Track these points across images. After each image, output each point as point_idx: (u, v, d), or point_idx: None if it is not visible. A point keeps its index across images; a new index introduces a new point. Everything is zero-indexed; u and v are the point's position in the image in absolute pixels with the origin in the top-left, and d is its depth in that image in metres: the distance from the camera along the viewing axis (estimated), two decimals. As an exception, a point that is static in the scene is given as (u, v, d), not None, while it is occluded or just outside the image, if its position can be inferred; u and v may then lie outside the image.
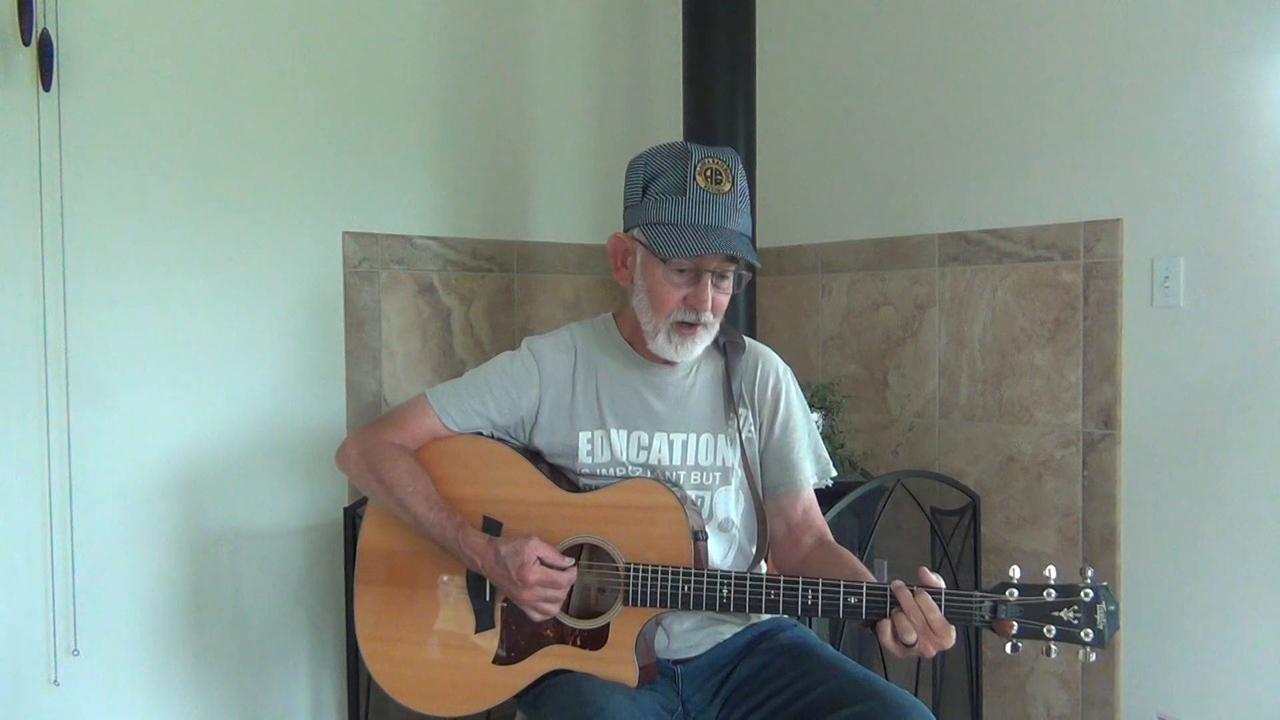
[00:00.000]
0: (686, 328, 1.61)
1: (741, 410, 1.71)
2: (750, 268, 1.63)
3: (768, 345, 1.83)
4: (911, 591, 1.42)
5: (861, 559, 2.26)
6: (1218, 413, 2.18)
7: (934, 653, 1.42)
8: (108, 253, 2.11)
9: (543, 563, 1.52)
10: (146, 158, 2.15)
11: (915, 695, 1.50)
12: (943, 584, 1.44)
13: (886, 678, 1.56)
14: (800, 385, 1.81)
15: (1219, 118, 2.15)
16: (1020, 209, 2.46)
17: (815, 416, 2.40)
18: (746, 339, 1.78)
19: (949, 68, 2.61)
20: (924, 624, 1.41)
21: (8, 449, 2.03)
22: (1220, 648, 2.18)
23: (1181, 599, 2.23)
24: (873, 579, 1.55)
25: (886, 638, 1.44)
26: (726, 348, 1.73)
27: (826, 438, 2.49)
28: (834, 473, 1.80)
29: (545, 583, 1.52)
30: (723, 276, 1.62)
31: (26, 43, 1.95)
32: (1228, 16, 2.13)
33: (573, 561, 1.55)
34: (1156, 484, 2.27)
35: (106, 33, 2.10)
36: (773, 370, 1.76)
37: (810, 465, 1.76)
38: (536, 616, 1.56)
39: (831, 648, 1.67)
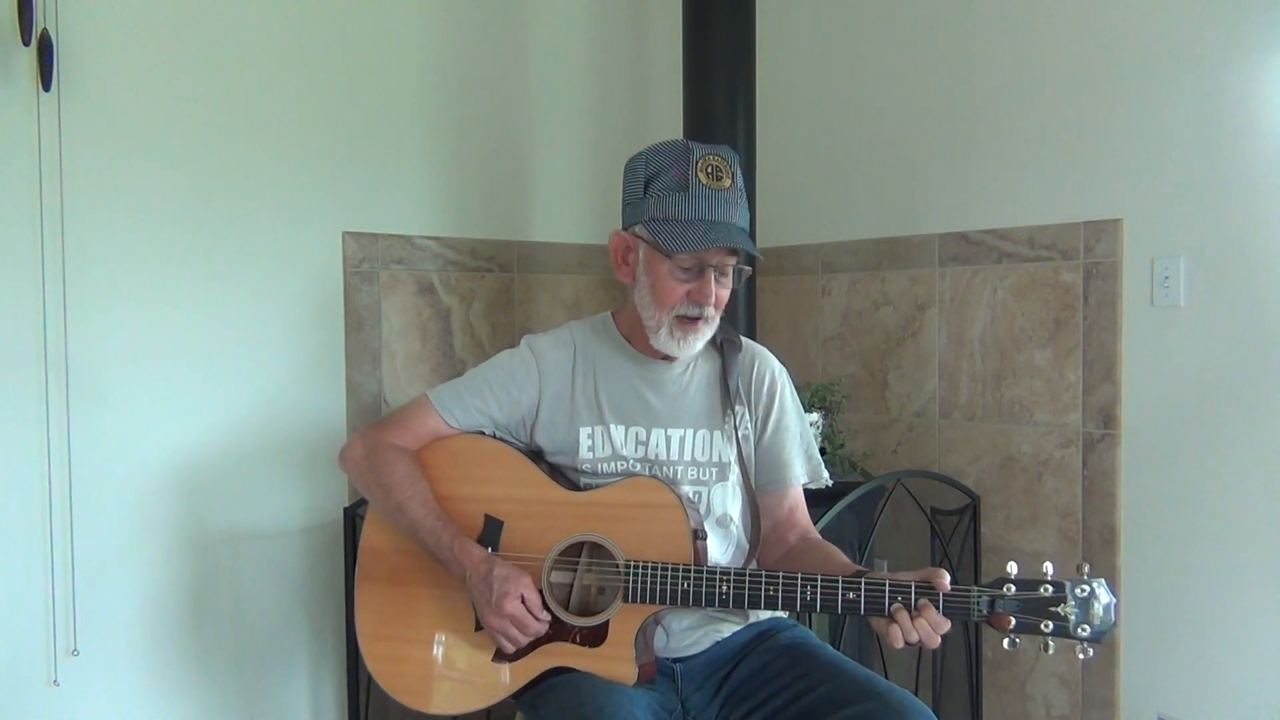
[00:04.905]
0: (689, 322, 1.63)
1: (738, 408, 1.73)
2: (751, 261, 1.66)
3: (766, 345, 1.85)
4: (910, 609, 1.43)
5: (861, 559, 2.29)
6: (1218, 412, 2.17)
7: (937, 644, 1.44)
8: (108, 253, 2.11)
9: (525, 602, 1.54)
10: (146, 158, 2.15)
11: (915, 695, 1.51)
12: (947, 584, 1.44)
13: (887, 678, 1.56)
14: (800, 385, 1.82)
15: (1219, 118, 2.15)
16: (1020, 209, 2.46)
17: (815, 416, 2.40)
18: (743, 339, 1.80)
19: (949, 68, 2.61)
20: (928, 632, 1.43)
21: (8, 449, 2.02)
22: (1220, 648, 2.18)
23: (1181, 599, 2.23)
24: (848, 563, 1.58)
25: (888, 637, 1.45)
26: (723, 346, 1.75)
27: (827, 438, 2.49)
28: (826, 474, 1.81)
29: (516, 620, 1.54)
30: (723, 272, 1.64)
31: (26, 43, 1.95)
32: (1228, 16, 2.13)
33: (549, 617, 1.57)
34: (1156, 484, 2.26)
35: (106, 33, 2.10)
36: (769, 369, 1.78)
37: (801, 465, 1.77)
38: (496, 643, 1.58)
39: (831, 648, 1.68)
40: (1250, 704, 2.15)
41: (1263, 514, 2.12)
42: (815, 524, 1.82)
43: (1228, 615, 2.17)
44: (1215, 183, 2.15)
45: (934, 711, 1.49)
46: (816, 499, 1.95)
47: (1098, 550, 2.34)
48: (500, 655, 1.61)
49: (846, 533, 2.42)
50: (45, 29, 1.98)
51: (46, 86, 1.99)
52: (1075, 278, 2.36)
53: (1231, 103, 2.13)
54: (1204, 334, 2.18)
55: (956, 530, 2.52)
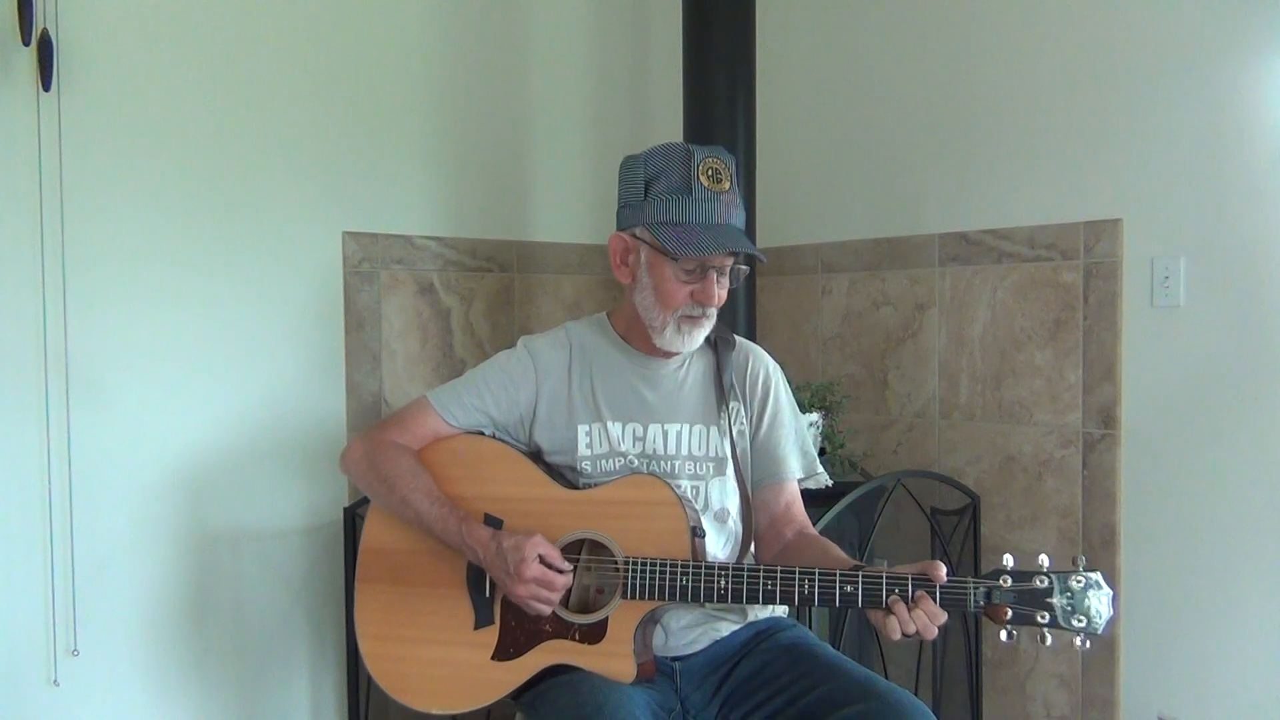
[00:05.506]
0: (693, 320, 1.67)
1: (733, 404, 1.75)
2: (750, 261, 1.69)
3: (767, 345, 1.87)
4: (907, 601, 1.44)
5: (861, 559, 2.29)
6: (1217, 412, 2.17)
7: (934, 634, 1.45)
8: (107, 253, 2.11)
9: (543, 560, 1.54)
10: (146, 158, 2.16)
11: (915, 695, 1.51)
12: (944, 576, 1.44)
13: (887, 678, 1.56)
14: (800, 385, 1.83)
15: (1219, 118, 2.15)
16: (1020, 209, 2.46)
17: (815, 416, 2.40)
18: (736, 336, 1.83)
19: (948, 68, 2.61)
20: (925, 623, 1.44)
21: (8, 449, 2.03)
22: (1220, 648, 2.18)
23: (1181, 599, 2.23)
24: (845, 558, 1.59)
25: (885, 629, 1.46)
26: (717, 343, 1.77)
27: (827, 438, 2.49)
28: (821, 470, 1.82)
29: (541, 581, 1.54)
30: (723, 273, 1.67)
31: (26, 43, 1.95)
32: (1228, 16, 2.13)
33: (571, 566, 1.57)
34: (1156, 483, 2.27)
35: (106, 33, 2.10)
36: (762, 366, 1.80)
37: (796, 460, 1.78)
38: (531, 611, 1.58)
39: (831, 647, 1.68)
40: (1250, 704, 2.15)
41: (1262, 513, 2.12)
42: (816, 524, 1.83)
43: (1228, 615, 2.17)
44: (1215, 183, 2.15)
45: (934, 711, 1.49)
46: (817, 499, 1.95)
47: (1098, 550, 2.33)
48: (500, 654, 1.61)
49: (846, 533, 2.42)
50: (45, 29, 1.98)
51: (46, 86, 1.99)
52: (1075, 278, 2.37)
53: (1231, 103, 2.13)
54: (1204, 334, 2.18)
55: (956, 530, 2.52)
